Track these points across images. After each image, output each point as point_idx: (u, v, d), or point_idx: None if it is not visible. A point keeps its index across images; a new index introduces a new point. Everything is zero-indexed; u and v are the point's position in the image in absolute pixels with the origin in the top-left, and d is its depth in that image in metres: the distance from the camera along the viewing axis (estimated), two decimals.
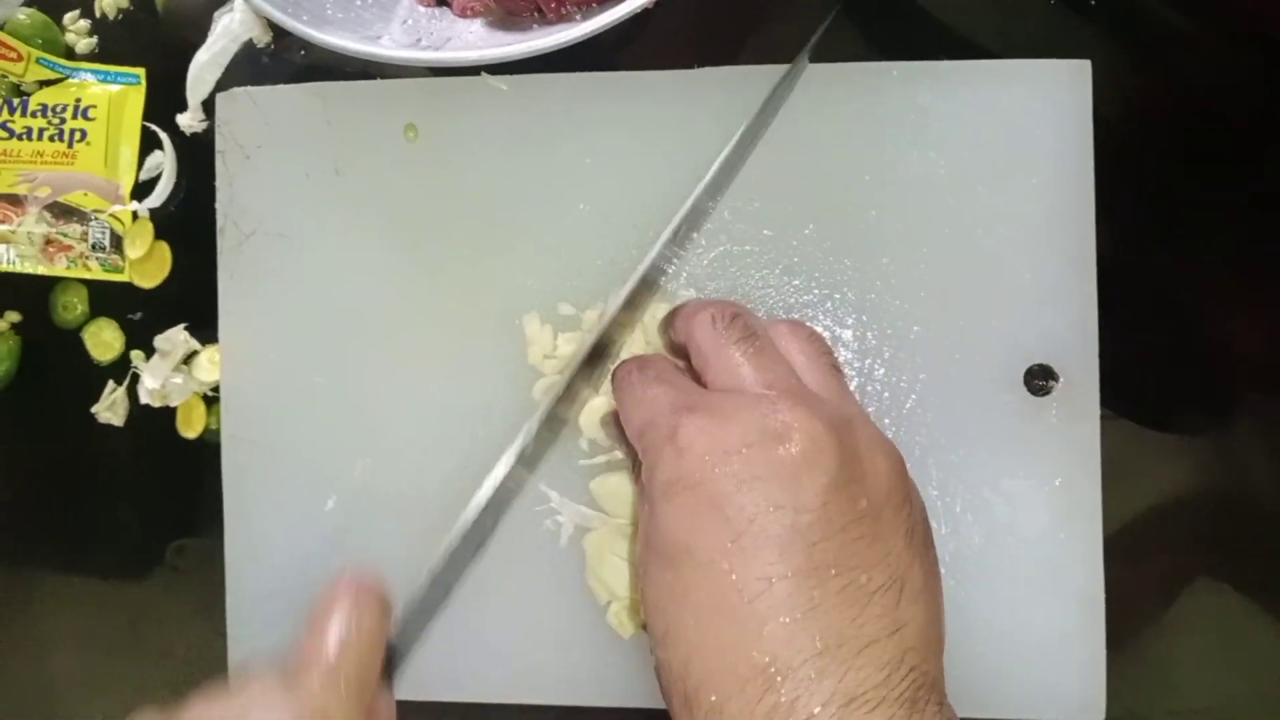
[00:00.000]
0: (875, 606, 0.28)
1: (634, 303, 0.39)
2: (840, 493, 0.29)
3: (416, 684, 0.41)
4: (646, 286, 0.40)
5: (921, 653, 0.28)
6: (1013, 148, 0.40)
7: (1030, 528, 0.40)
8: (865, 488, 0.30)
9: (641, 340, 0.41)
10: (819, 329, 0.41)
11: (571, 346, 0.41)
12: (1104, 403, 0.40)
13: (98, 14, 0.47)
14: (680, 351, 0.37)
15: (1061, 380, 0.40)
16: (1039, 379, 0.40)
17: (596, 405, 0.41)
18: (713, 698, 0.28)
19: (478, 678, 0.42)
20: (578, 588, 0.41)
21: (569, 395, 0.38)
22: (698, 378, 0.35)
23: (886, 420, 0.40)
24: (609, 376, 0.38)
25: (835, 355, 0.35)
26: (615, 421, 0.38)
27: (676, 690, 0.29)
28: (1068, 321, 0.40)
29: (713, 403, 0.31)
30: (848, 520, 0.29)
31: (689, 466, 0.30)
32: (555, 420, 0.39)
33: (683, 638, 0.29)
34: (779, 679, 0.27)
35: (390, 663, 0.33)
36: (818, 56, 0.41)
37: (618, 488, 0.40)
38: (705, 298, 0.41)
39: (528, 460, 0.38)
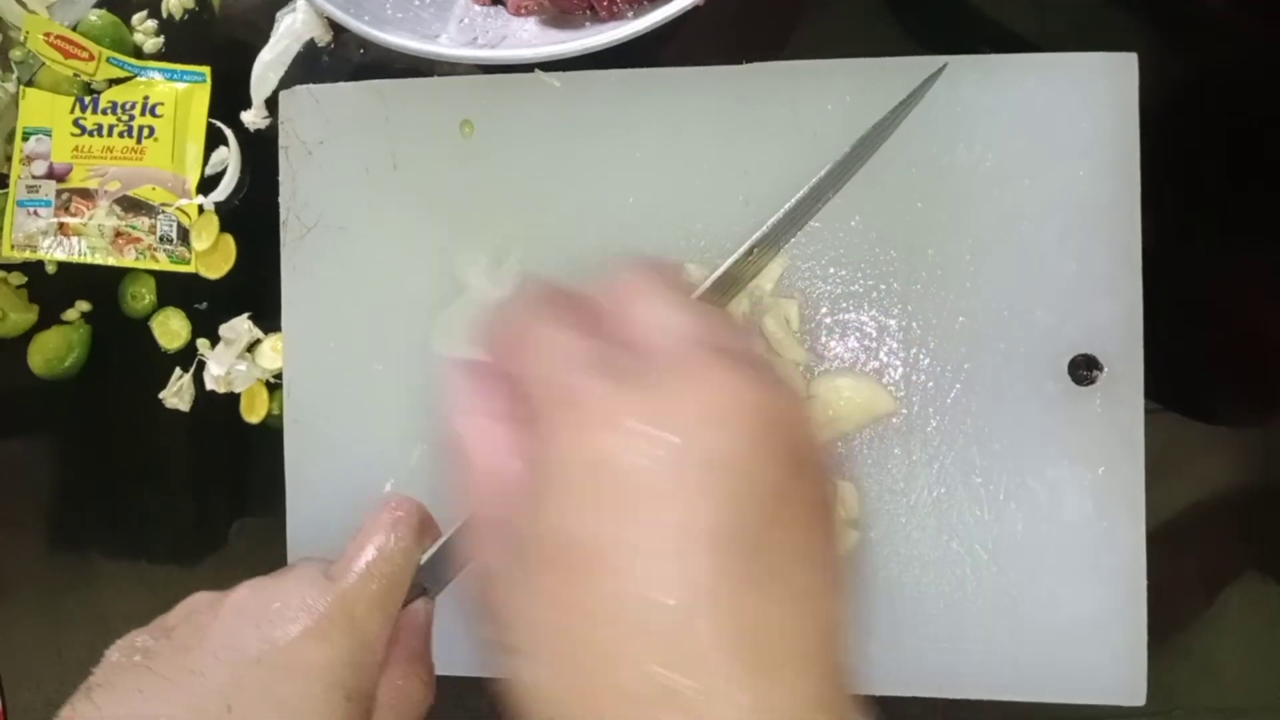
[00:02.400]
0: (800, 616, 0.24)
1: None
2: (772, 489, 0.25)
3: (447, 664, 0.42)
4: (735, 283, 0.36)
5: (842, 665, 0.24)
6: (1058, 140, 0.41)
7: (1073, 515, 0.40)
8: (798, 486, 0.25)
9: None
10: (865, 319, 0.41)
11: None
12: (1149, 395, 0.40)
13: (164, 14, 0.48)
14: None
15: (1106, 370, 0.40)
16: (1083, 369, 0.40)
17: None
18: None
19: None
20: None
21: None
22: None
23: (931, 409, 0.41)
24: None
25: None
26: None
27: (546, 714, 0.24)
28: (1113, 312, 0.40)
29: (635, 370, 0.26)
30: (775, 521, 0.24)
31: (595, 444, 0.24)
32: None
33: (568, 654, 0.24)
34: (687, 696, 0.22)
35: (431, 580, 0.35)
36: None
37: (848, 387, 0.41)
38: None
39: None
